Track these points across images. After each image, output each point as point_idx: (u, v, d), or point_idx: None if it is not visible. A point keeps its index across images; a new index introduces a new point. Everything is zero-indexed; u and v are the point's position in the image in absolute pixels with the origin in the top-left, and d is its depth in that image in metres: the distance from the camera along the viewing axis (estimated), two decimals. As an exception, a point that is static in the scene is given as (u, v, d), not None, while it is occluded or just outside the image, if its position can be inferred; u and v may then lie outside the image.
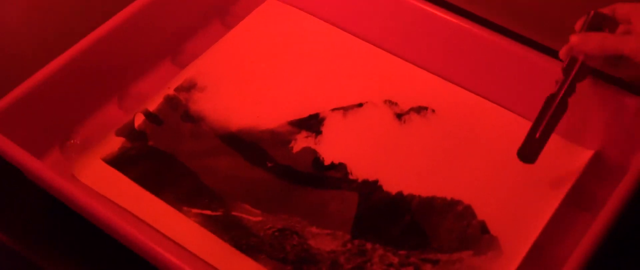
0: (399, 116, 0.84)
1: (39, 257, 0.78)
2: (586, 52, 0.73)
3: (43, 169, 0.76)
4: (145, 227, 0.75)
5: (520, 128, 0.79)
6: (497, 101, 0.84)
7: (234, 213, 0.77)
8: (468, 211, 0.76)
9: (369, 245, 0.74)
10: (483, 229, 0.75)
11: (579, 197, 0.77)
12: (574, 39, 0.74)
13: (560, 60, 0.76)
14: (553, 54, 0.79)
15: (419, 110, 0.84)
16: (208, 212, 0.77)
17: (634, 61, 0.72)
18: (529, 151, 0.74)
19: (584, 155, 0.79)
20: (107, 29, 0.85)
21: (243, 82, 0.87)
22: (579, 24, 0.74)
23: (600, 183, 0.78)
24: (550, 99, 0.75)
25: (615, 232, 0.70)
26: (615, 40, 0.71)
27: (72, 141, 0.84)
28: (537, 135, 0.74)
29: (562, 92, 0.75)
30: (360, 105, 0.85)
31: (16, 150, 0.76)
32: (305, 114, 0.84)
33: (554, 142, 0.79)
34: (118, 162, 0.81)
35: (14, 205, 0.82)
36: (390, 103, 0.85)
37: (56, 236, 0.79)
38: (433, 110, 0.84)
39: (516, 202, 0.76)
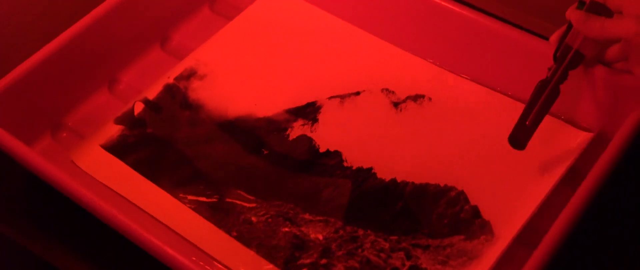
0: (395, 104, 0.84)
1: (31, 243, 0.79)
2: (587, 33, 0.73)
3: (34, 156, 0.77)
4: (135, 212, 0.76)
5: (517, 113, 0.79)
6: (495, 86, 0.84)
7: (228, 199, 0.78)
8: (461, 197, 0.76)
9: (360, 232, 0.75)
10: (475, 213, 0.75)
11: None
12: (575, 17, 0.73)
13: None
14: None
15: (416, 98, 0.84)
16: (203, 199, 0.78)
17: (632, 45, 0.72)
18: (520, 137, 0.74)
19: (583, 138, 0.79)
20: (96, 15, 0.86)
21: (242, 71, 0.88)
22: (569, 13, 0.74)
23: (583, 158, 0.78)
24: (541, 85, 0.75)
25: (594, 207, 0.70)
26: (614, 24, 0.71)
27: (64, 128, 0.85)
28: (528, 122, 0.74)
29: (555, 79, 0.75)
30: (357, 93, 0.85)
31: (7, 138, 0.77)
32: (302, 102, 0.85)
33: (552, 124, 0.80)
34: (116, 149, 0.82)
35: (3, 191, 0.83)
36: (388, 91, 0.85)
37: (47, 221, 0.80)
38: (430, 99, 0.84)
39: (510, 186, 0.76)
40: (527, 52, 0.82)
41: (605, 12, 0.72)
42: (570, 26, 0.74)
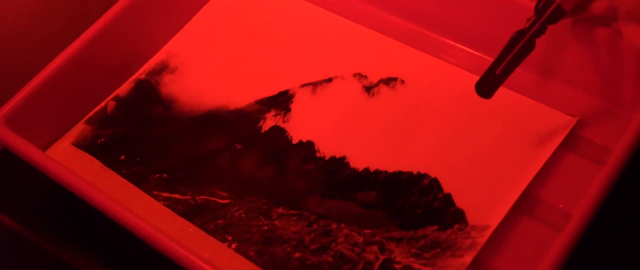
0: (367, 89, 0.83)
1: (45, 241, 0.80)
2: None
3: (58, 167, 0.76)
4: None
5: (495, 96, 0.78)
6: (481, 48, 0.84)
7: (202, 197, 0.77)
8: (434, 185, 0.76)
9: (334, 225, 0.74)
10: (448, 202, 0.74)
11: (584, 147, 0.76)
12: None
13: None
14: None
15: (388, 81, 0.83)
16: (177, 196, 0.78)
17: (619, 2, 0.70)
18: (486, 86, 0.74)
19: (567, 123, 0.77)
20: (111, 17, 0.85)
21: (213, 62, 0.88)
22: None
23: (605, 132, 0.77)
24: (517, 36, 0.74)
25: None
26: None
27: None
28: (498, 71, 0.74)
29: (532, 30, 0.74)
30: (329, 80, 0.84)
31: (30, 149, 0.77)
32: (274, 91, 0.84)
33: (534, 108, 0.79)
34: (90, 148, 0.82)
35: (19, 188, 0.84)
36: (360, 76, 0.84)
37: (60, 219, 0.81)
38: (402, 81, 0.83)
39: (487, 174, 0.75)
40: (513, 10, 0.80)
41: None
42: None
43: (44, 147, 0.81)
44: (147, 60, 0.89)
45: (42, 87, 0.82)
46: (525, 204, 0.73)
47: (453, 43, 0.85)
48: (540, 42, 0.75)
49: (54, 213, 0.82)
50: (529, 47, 0.74)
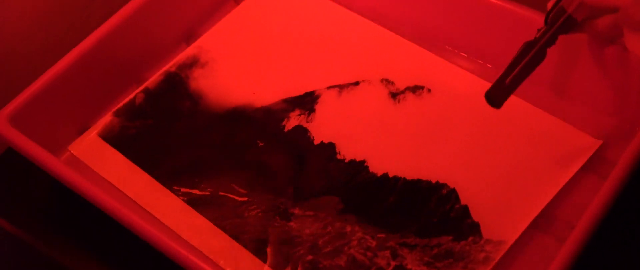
0: (393, 95, 0.83)
1: (46, 246, 0.81)
2: None
3: (61, 166, 0.77)
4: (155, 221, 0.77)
5: (519, 111, 0.78)
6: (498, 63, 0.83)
7: (221, 193, 0.78)
8: (452, 195, 0.76)
9: (348, 228, 0.75)
10: (465, 214, 0.74)
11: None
12: None
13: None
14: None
15: (415, 89, 0.83)
16: (196, 192, 0.78)
17: (624, 16, 0.70)
18: (496, 95, 0.73)
19: (591, 145, 0.77)
20: (120, 18, 0.85)
21: (243, 59, 0.88)
22: None
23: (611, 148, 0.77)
24: (527, 46, 0.73)
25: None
26: None
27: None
28: (508, 81, 0.73)
29: (543, 40, 0.73)
30: (356, 83, 0.85)
31: (34, 148, 0.77)
32: (301, 91, 0.85)
33: (558, 128, 0.78)
34: (116, 140, 0.83)
35: (20, 193, 0.84)
36: (387, 82, 0.84)
37: (63, 224, 0.82)
38: (429, 90, 0.83)
39: (505, 189, 0.75)
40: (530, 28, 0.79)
41: None
42: None
43: (53, 146, 0.81)
44: (171, 49, 0.89)
45: (45, 88, 0.82)
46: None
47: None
48: (559, 61, 0.74)
49: (56, 217, 0.83)
50: (540, 57, 0.73)
